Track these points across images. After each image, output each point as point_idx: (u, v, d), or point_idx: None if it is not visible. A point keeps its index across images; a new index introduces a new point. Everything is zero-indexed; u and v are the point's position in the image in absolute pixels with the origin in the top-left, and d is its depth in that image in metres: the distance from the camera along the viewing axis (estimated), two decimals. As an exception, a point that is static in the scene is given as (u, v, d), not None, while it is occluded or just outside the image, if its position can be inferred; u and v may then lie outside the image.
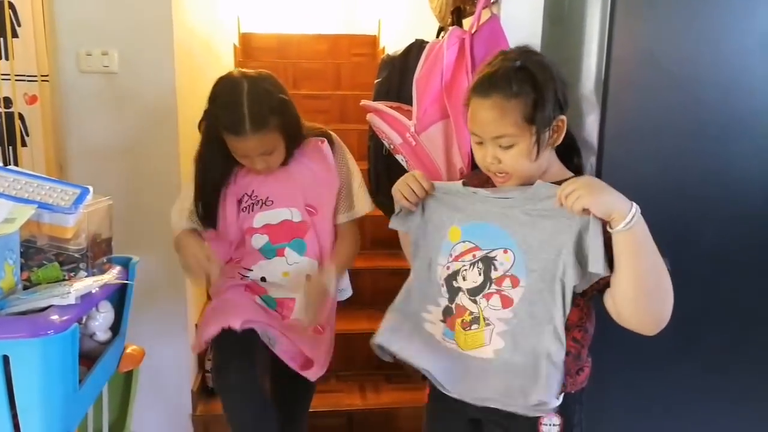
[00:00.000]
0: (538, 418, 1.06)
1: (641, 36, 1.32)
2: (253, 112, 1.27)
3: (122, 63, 1.85)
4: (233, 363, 1.33)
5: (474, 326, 1.06)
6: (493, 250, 1.05)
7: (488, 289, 1.05)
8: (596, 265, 0.95)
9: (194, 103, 2.16)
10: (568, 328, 1.04)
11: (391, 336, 1.14)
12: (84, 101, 1.87)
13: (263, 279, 1.43)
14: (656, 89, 1.33)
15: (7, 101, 1.75)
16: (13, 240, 1.02)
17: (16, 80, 1.74)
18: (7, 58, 1.71)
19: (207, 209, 1.40)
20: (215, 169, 1.39)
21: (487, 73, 1.02)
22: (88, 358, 1.14)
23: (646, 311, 0.99)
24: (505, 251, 1.04)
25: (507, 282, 1.04)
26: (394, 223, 1.21)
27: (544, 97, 0.98)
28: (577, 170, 1.11)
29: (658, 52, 1.32)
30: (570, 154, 1.11)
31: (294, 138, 1.38)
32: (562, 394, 1.06)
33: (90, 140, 1.89)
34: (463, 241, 1.08)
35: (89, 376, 1.08)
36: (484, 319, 1.05)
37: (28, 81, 1.76)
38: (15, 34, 1.72)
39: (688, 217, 1.37)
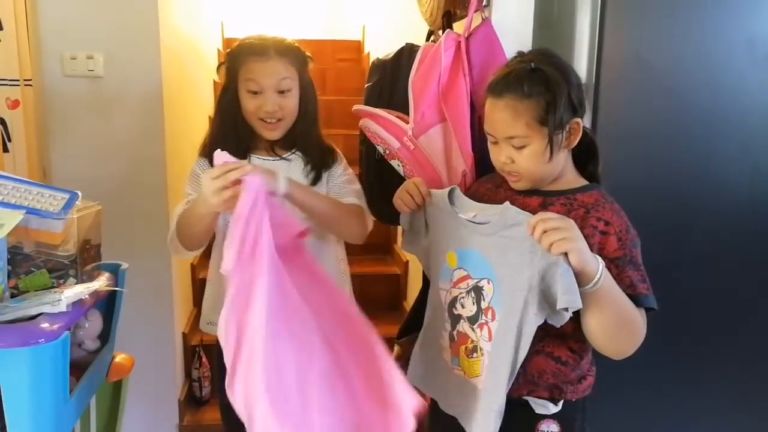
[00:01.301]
0: (536, 422, 1.05)
1: (630, 40, 1.34)
2: (277, 42, 1.31)
3: (107, 66, 1.83)
4: None
5: (474, 355, 1.05)
6: (481, 279, 1.03)
7: (480, 319, 1.03)
8: (573, 302, 0.90)
9: (180, 107, 2.15)
10: (564, 338, 1.03)
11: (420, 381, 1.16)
12: (68, 105, 1.84)
13: None
14: (645, 91, 1.36)
15: (-12, 106, 1.71)
16: (1, 247, 0.99)
17: (-2, 84, 1.71)
18: (-12, 62, 1.68)
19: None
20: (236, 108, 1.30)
21: (502, 74, 1.03)
22: (76, 368, 1.11)
23: (608, 347, 1.00)
24: (488, 281, 1.02)
25: (489, 314, 1.02)
26: (405, 246, 1.21)
27: (557, 99, 0.98)
28: (592, 177, 1.09)
29: (646, 56, 1.34)
30: (585, 161, 1.09)
31: (309, 102, 1.34)
32: (561, 401, 1.06)
33: (75, 145, 1.86)
34: (459, 268, 1.07)
35: (79, 385, 1.05)
36: (480, 348, 1.04)
37: (10, 85, 1.72)
38: (-4, 38, 1.68)
39: (676, 215, 1.40)
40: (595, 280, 0.91)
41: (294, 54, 1.32)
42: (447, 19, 1.50)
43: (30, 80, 1.74)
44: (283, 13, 4.44)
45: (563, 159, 1.04)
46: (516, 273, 0.96)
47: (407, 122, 1.28)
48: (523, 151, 1.02)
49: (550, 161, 1.01)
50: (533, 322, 0.95)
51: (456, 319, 1.08)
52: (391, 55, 1.51)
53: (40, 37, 1.79)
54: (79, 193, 1.12)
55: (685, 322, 1.42)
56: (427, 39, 1.58)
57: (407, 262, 2.73)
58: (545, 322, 0.96)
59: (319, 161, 1.35)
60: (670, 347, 1.42)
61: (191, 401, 2.21)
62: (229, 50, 1.36)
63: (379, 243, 2.96)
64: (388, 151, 1.29)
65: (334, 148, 1.40)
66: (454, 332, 1.08)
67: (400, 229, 3.35)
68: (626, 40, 1.34)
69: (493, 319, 1.01)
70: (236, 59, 1.31)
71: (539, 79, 0.99)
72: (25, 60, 1.72)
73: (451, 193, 1.10)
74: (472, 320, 1.04)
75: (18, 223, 1.00)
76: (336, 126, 3.44)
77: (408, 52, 1.47)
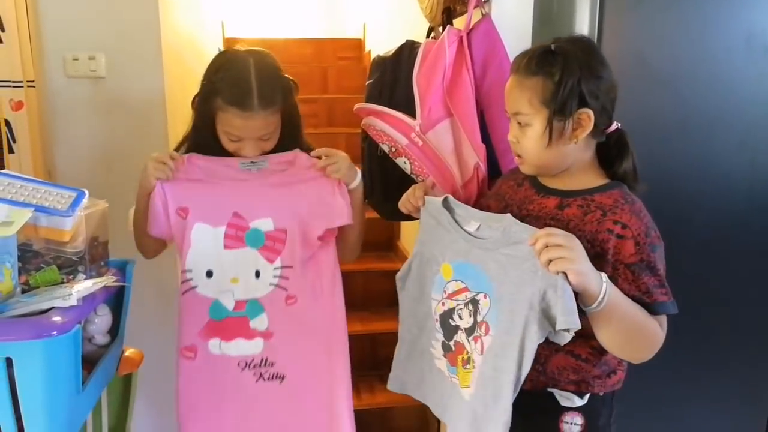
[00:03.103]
0: (560, 414, 1.05)
1: (629, 36, 1.35)
2: (262, 87, 1.18)
3: (110, 67, 1.84)
4: None
5: (467, 366, 1.05)
6: (478, 293, 1.02)
7: (476, 332, 1.02)
8: (571, 323, 0.89)
9: (183, 107, 2.16)
10: (586, 337, 0.99)
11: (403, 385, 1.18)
12: (71, 106, 1.85)
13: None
14: (644, 87, 1.36)
15: (-7, 108, 1.72)
16: (11, 243, 1.01)
17: (1, 86, 1.71)
18: (-9, 64, 1.69)
19: None
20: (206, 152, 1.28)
21: (525, 51, 1.03)
22: (87, 362, 1.13)
23: (623, 355, 1.01)
24: (485, 296, 1.00)
25: (483, 328, 1.00)
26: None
27: (563, 83, 0.95)
28: (616, 176, 1.04)
29: (645, 51, 1.35)
30: (612, 158, 1.04)
31: (293, 127, 1.30)
32: (588, 394, 1.05)
33: (78, 145, 1.87)
34: (455, 280, 1.06)
35: (90, 378, 1.07)
36: (473, 361, 1.03)
37: (14, 87, 1.73)
38: (-1, 40, 1.70)
39: (675, 210, 1.40)
40: (599, 300, 0.89)
41: (279, 97, 1.22)
42: (447, 16, 1.52)
43: (33, 81, 1.75)
44: (283, 12, 4.45)
45: (572, 151, 1.01)
46: (517, 291, 0.94)
47: (413, 119, 1.29)
48: (527, 132, 1.01)
49: (549, 147, 0.99)
50: (534, 340, 0.93)
51: (453, 329, 1.07)
52: (391, 52, 1.52)
53: (42, 39, 1.80)
54: (86, 192, 1.14)
55: (684, 319, 1.43)
56: (428, 36, 1.60)
57: (409, 258, 2.73)
58: None
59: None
60: (670, 342, 1.44)
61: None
62: (209, 71, 1.25)
63: (382, 240, 2.98)
64: (394, 149, 1.30)
65: (307, 147, 1.37)
66: (451, 342, 1.08)
67: (403, 225, 3.38)
68: (625, 36, 1.35)
69: (486, 333, 1.00)
70: (214, 97, 1.20)
71: (552, 60, 0.97)
72: (28, 61, 1.73)
73: (446, 202, 1.09)
74: (469, 332, 1.04)
75: (27, 221, 1.02)
76: (338, 124, 3.47)
77: (409, 49, 1.49)
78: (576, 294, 0.90)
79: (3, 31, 1.69)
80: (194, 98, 1.28)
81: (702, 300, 1.43)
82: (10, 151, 1.75)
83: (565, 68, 0.96)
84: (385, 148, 1.31)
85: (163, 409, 2.06)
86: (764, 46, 1.36)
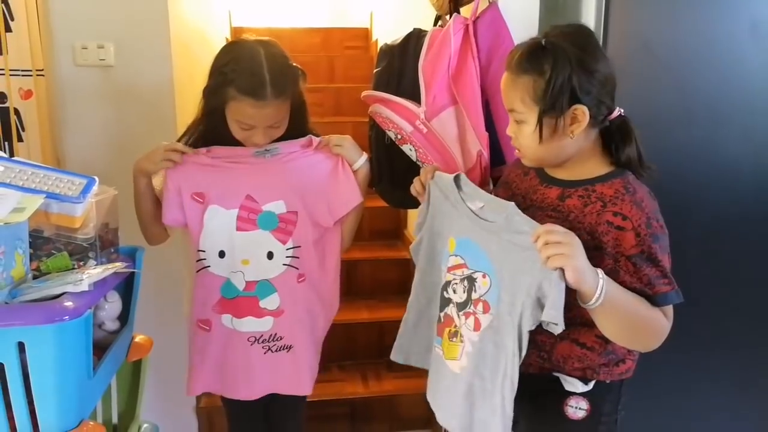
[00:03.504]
0: (565, 398, 1.06)
1: (635, 24, 1.35)
2: (274, 77, 1.22)
3: (118, 56, 1.85)
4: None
5: (454, 339, 1.07)
6: (476, 271, 1.03)
7: (467, 308, 1.04)
8: (555, 317, 0.91)
9: (191, 96, 2.17)
10: (590, 325, 1.00)
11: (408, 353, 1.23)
12: (80, 95, 1.86)
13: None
14: (651, 76, 1.36)
15: (2, 96, 1.73)
16: (23, 229, 1.02)
17: (11, 75, 1.72)
18: (0, 53, 1.70)
19: None
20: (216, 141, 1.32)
21: (517, 46, 1.03)
22: (98, 348, 1.14)
23: (628, 346, 1.03)
24: (484, 275, 1.01)
25: (480, 306, 1.02)
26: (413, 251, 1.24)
27: (554, 80, 0.95)
28: (619, 163, 1.03)
29: (651, 40, 1.34)
30: (616, 144, 1.03)
31: (301, 115, 1.34)
32: (593, 381, 1.06)
33: (87, 134, 1.88)
34: (456, 255, 1.08)
35: (101, 364, 1.09)
36: (461, 335, 1.05)
37: (23, 76, 1.74)
38: (8, 29, 1.70)
39: (683, 198, 1.41)
40: (596, 297, 0.90)
41: (290, 85, 1.26)
42: (454, 4, 1.51)
43: (42, 70, 1.76)
44: (290, 2, 4.44)
45: (570, 144, 1.00)
46: (517, 277, 0.96)
47: (419, 107, 1.30)
48: (522, 128, 1.01)
49: (544, 143, 0.99)
50: (528, 325, 0.95)
51: (446, 302, 1.10)
52: (399, 41, 1.52)
53: (51, 28, 1.80)
54: (96, 179, 1.15)
55: (687, 310, 1.43)
56: (435, 24, 1.59)
57: (416, 247, 2.74)
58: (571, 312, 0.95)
59: None
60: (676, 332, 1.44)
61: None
62: (219, 64, 1.26)
63: (390, 228, 2.99)
64: (400, 136, 1.31)
65: (316, 133, 1.41)
66: (442, 314, 1.11)
67: (410, 213, 3.38)
68: (632, 24, 1.35)
69: (485, 311, 1.01)
70: (227, 87, 1.23)
71: (542, 57, 0.96)
72: (37, 50, 1.74)
73: (457, 179, 1.10)
74: (460, 307, 1.06)
75: (38, 208, 1.03)
76: (345, 114, 3.47)
77: (416, 38, 1.48)
78: (574, 291, 0.91)
79: (12, 20, 1.70)
80: (205, 88, 1.31)
81: (708, 289, 1.44)
82: (20, 139, 1.76)
83: (555, 65, 0.95)
84: (392, 135, 1.32)
85: (172, 395, 2.08)
86: (769, 34, 1.35)
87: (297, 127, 1.34)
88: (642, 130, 1.36)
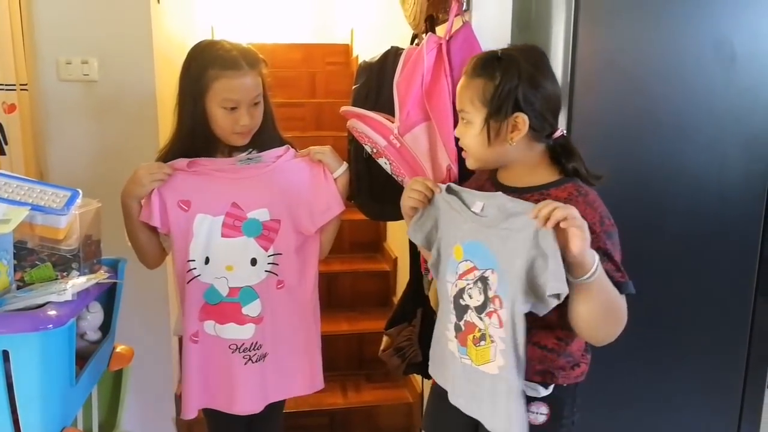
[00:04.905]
0: (527, 403, 1.07)
1: (603, 41, 1.40)
2: (244, 52, 1.31)
3: (102, 71, 1.87)
4: None
5: (482, 342, 1.08)
6: (486, 270, 1.06)
7: (489, 307, 1.05)
8: (561, 289, 0.94)
9: (174, 110, 2.19)
10: (552, 328, 1.06)
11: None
12: (64, 109, 1.89)
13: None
14: (617, 91, 1.41)
15: (-15, 111, 1.75)
16: (7, 241, 1.04)
17: (-5, 89, 1.74)
18: (-17, 68, 1.71)
19: None
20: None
21: (475, 55, 1.11)
22: (79, 358, 1.16)
23: (593, 334, 1.05)
24: (492, 272, 1.04)
25: (497, 302, 1.04)
26: (410, 232, 1.21)
27: (501, 87, 1.03)
28: (567, 173, 1.09)
29: (619, 57, 1.39)
30: (559, 157, 1.10)
31: (267, 103, 1.38)
32: (552, 385, 1.10)
33: (71, 148, 1.90)
34: (465, 260, 1.10)
35: (83, 372, 1.11)
36: (489, 336, 1.06)
37: (6, 90, 1.75)
38: (-8, 44, 1.72)
39: (649, 211, 1.45)
40: (592, 271, 0.94)
41: (259, 62, 1.34)
42: (430, 23, 1.57)
43: (26, 85, 1.77)
44: (272, 18, 4.50)
45: (510, 151, 1.07)
46: (512, 262, 1.00)
47: (393, 122, 1.34)
48: (469, 129, 1.09)
49: (487, 145, 1.06)
50: (522, 310, 0.99)
51: (463, 309, 1.10)
52: (377, 58, 1.56)
53: (35, 42, 1.83)
54: (80, 191, 1.17)
55: (654, 315, 1.48)
56: (412, 42, 1.65)
57: (396, 259, 2.78)
58: (530, 314, 1.00)
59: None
60: (641, 337, 1.48)
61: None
62: (191, 59, 1.32)
63: (370, 241, 3.02)
64: (375, 150, 1.35)
65: (292, 144, 1.45)
66: (461, 323, 1.11)
67: (389, 226, 3.41)
68: (600, 41, 1.39)
69: (501, 306, 1.04)
70: (206, 72, 1.28)
71: (495, 65, 1.05)
72: (21, 65, 1.75)
73: (449, 188, 1.13)
74: (480, 309, 1.07)
75: (23, 219, 1.06)
76: (326, 128, 3.52)
77: (393, 55, 1.53)
78: (566, 267, 0.94)
79: (-4, 35, 1.72)
80: (180, 92, 1.34)
81: (673, 297, 1.49)
82: (2, 153, 1.77)
83: (505, 73, 1.03)
84: (368, 149, 1.36)
85: (153, 404, 2.09)
86: (731, 52, 1.41)
87: (268, 113, 1.38)
88: (610, 143, 1.42)
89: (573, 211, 0.93)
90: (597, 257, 0.95)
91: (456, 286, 1.12)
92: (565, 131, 1.11)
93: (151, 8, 1.89)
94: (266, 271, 1.35)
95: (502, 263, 1.03)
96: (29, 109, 1.80)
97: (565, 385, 1.11)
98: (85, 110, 1.90)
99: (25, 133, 1.79)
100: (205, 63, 1.29)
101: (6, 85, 1.75)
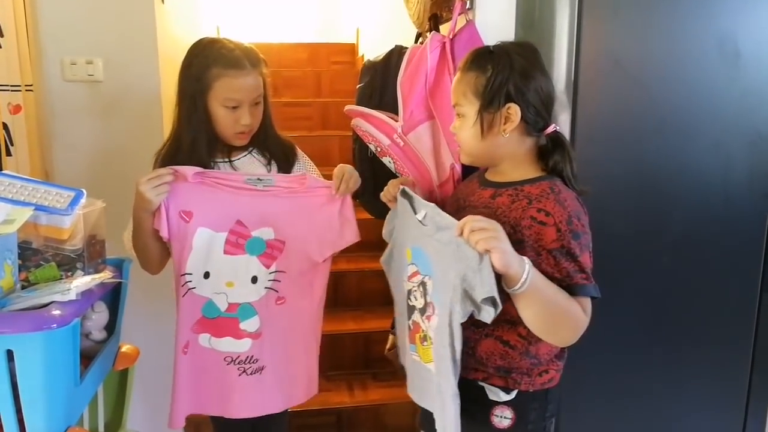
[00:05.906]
0: (491, 407, 1.09)
1: (607, 40, 1.39)
2: (244, 51, 1.30)
3: (107, 71, 1.87)
4: None
5: (425, 342, 1.10)
6: (425, 275, 1.08)
7: (428, 311, 1.08)
8: (492, 291, 0.94)
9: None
10: (514, 324, 1.05)
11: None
12: (69, 110, 1.89)
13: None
14: (621, 90, 1.41)
15: (-9, 111, 1.76)
16: (12, 241, 1.05)
17: (0, 90, 1.75)
18: (-11, 68, 1.72)
19: None
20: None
21: (470, 51, 1.12)
22: (85, 358, 1.16)
23: (547, 337, 1.04)
24: (429, 278, 1.07)
25: (431, 308, 1.07)
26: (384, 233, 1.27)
27: (493, 79, 1.04)
28: (547, 170, 1.09)
29: (622, 56, 1.39)
30: (546, 154, 1.09)
31: (268, 103, 1.36)
32: (515, 390, 1.09)
33: (75, 148, 1.90)
34: (412, 263, 1.13)
35: (87, 372, 1.11)
36: (429, 338, 1.09)
37: (12, 90, 1.75)
38: (-2, 44, 1.73)
39: (653, 209, 1.45)
40: (522, 281, 0.93)
41: (261, 61, 1.33)
42: (434, 22, 1.57)
43: (31, 85, 1.78)
44: (278, 17, 4.50)
45: (503, 144, 1.07)
46: (444, 274, 1.01)
47: (397, 121, 1.34)
48: (463, 122, 1.09)
49: (481, 138, 1.07)
50: (459, 319, 0.99)
51: (411, 309, 1.14)
52: (381, 57, 1.57)
53: (40, 43, 1.83)
54: (84, 191, 1.18)
55: (662, 314, 1.47)
56: (416, 41, 1.64)
57: (402, 258, 2.77)
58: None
59: (280, 156, 1.41)
60: (650, 334, 1.48)
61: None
62: (192, 57, 1.31)
63: (375, 240, 3.00)
64: (379, 149, 1.35)
65: (292, 144, 1.45)
66: (410, 322, 1.15)
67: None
68: (603, 40, 1.39)
69: (433, 312, 1.06)
70: (208, 71, 1.27)
71: (488, 59, 1.06)
72: (26, 65, 1.76)
73: (404, 192, 1.15)
74: (422, 311, 1.10)
75: (27, 220, 1.06)
76: (331, 128, 3.51)
77: (397, 54, 1.53)
78: (500, 277, 0.94)
79: (2, 35, 1.72)
80: (180, 91, 1.33)
81: (679, 295, 1.48)
82: (8, 153, 1.78)
83: (497, 65, 1.05)
84: (372, 147, 1.36)
85: (158, 403, 2.09)
86: (735, 51, 1.40)
87: (267, 113, 1.37)
88: (613, 142, 1.42)
89: (490, 231, 0.92)
90: (527, 266, 0.94)
91: (406, 286, 1.15)
92: (558, 128, 1.10)
93: (156, 8, 1.90)
94: (266, 288, 1.32)
95: (437, 272, 1.05)
96: (34, 110, 1.80)
97: (530, 390, 1.09)
98: (90, 110, 1.90)
99: (31, 134, 1.80)
100: (207, 61, 1.28)
101: (11, 85, 1.76)
